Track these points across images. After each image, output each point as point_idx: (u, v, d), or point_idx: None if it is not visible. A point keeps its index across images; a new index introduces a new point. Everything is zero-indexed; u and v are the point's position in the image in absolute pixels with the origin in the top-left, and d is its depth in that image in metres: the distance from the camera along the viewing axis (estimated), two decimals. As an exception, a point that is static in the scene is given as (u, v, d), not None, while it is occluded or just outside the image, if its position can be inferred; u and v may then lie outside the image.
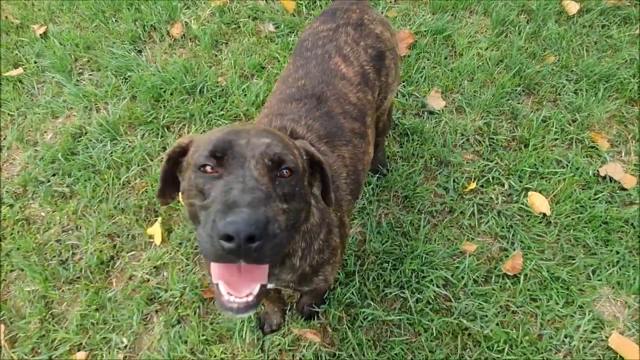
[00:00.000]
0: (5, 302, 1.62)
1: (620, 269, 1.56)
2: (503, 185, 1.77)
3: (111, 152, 1.93)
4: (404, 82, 2.05)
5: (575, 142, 1.86)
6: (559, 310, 1.49)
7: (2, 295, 1.64)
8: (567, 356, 1.43)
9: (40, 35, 2.36)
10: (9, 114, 2.10)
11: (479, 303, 1.50)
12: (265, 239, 0.70)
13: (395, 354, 1.42)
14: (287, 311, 1.54)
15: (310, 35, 1.34)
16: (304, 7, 2.37)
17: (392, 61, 1.35)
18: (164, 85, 2.09)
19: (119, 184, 1.85)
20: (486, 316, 1.48)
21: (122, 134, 1.99)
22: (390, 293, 1.55)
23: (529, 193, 1.72)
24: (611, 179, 1.75)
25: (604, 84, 1.99)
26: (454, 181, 1.77)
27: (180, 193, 0.92)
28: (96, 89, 2.14)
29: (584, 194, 1.70)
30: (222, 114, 2.02)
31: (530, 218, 1.67)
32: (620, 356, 1.40)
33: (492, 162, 1.82)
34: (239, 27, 2.35)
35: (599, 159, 1.82)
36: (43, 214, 1.83)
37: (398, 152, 1.87)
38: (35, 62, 2.26)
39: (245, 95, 2.06)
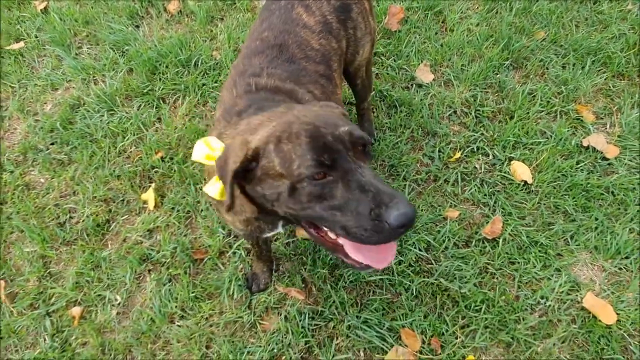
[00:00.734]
0: (6, 261, 1.69)
1: (598, 235, 1.60)
2: (487, 155, 1.81)
3: (108, 122, 1.99)
4: (394, 55, 2.09)
5: (561, 114, 1.89)
6: (536, 273, 1.54)
7: (3, 255, 1.71)
8: (542, 316, 1.48)
9: (41, 10, 2.42)
10: (10, 86, 2.16)
11: (458, 265, 1.55)
12: None
13: (375, 309, 1.48)
14: (274, 271, 1.60)
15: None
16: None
17: (360, 15, 1.38)
18: (160, 59, 2.14)
19: (115, 152, 1.91)
20: (465, 277, 1.53)
21: (118, 105, 2.05)
22: (373, 255, 1.60)
23: (512, 162, 1.76)
24: (594, 149, 1.78)
25: (592, 58, 2.02)
26: (439, 151, 1.82)
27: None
28: (94, 62, 2.20)
29: (566, 163, 1.74)
30: (216, 86, 2.07)
31: (512, 186, 1.72)
32: (593, 315, 1.45)
33: (477, 133, 1.85)
34: (235, 3, 2.39)
35: (584, 130, 1.85)
36: (42, 180, 1.90)
37: (386, 123, 1.91)
38: (36, 37, 2.31)
39: (239, 68, 2.11)
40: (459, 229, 1.63)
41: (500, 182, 1.73)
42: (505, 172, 1.74)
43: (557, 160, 1.75)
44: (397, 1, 2.27)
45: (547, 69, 2.02)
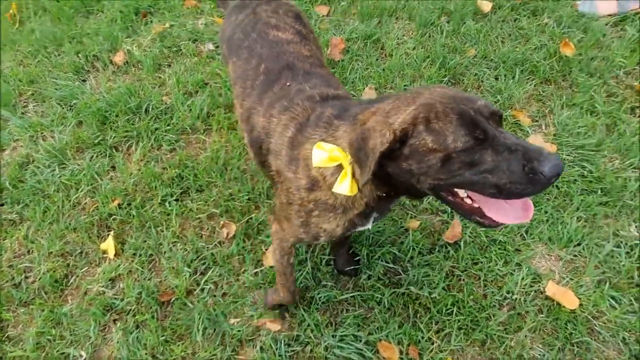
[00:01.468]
0: (-43, 331, 1.59)
1: (550, 226, 1.68)
2: (439, 165, 1.88)
3: (60, 176, 1.95)
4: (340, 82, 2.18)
5: (500, 120, 2.01)
6: (499, 270, 1.59)
7: (-47, 325, 1.60)
8: (511, 310, 1.52)
9: (-18, 73, 2.39)
10: (-48, 151, 2.09)
11: (425, 272, 1.59)
12: None
13: (350, 326, 1.48)
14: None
15: (235, 28, 1.46)
16: (241, 26, 2.49)
17: (306, 20, 1.53)
18: (109, 108, 2.14)
19: (69, 204, 1.87)
20: (433, 282, 1.57)
21: (69, 158, 2.02)
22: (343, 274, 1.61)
23: (463, 169, 1.84)
24: (534, 149, 1.90)
25: (520, 68, 2.18)
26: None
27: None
28: (42, 119, 2.17)
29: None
30: (169, 129, 2.08)
31: (465, 191, 1.79)
32: (557, 302, 1.51)
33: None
34: (180, 49, 2.45)
35: (523, 133, 1.97)
36: (-7, 243, 1.82)
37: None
38: (-22, 100, 2.27)
39: (190, 110, 2.14)
40: (422, 237, 1.68)
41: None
42: (457, 179, 1.82)
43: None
44: (337, 34, 2.40)
45: (482, 81, 2.17)
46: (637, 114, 2.02)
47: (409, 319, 1.51)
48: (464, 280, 1.59)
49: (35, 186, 1.92)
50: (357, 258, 1.61)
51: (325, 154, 1.03)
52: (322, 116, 1.13)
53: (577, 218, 1.70)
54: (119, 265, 1.70)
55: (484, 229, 1.63)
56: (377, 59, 2.30)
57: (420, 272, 1.58)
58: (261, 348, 1.48)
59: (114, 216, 1.81)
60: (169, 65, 2.39)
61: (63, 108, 2.22)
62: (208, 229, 1.77)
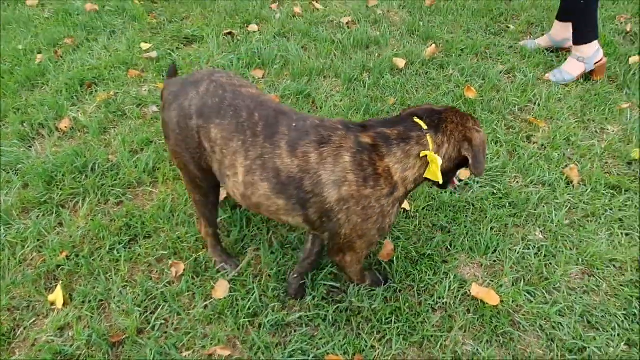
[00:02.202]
0: None
1: (469, 238, 1.90)
2: (370, 196, 2.09)
3: (5, 235, 1.97)
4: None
5: (420, 154, 2.28)
6: (429, 279, 1.76)
7: None
8: (443, 312, 1.68)
9: None
10: None
11: (365, 287, 1.73)
12: None
13: (298, 342, 1.57)
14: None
15: (204, 97, 1.41)
16: (183, 90, 2.71)
17: None
18: (55, 169, 2.22)
19: (15, 261, 1.88)
20: (373, 296, 1.70)
21: (15, 218, 2.05)
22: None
23: (391, 197, 2.05)
24: (451, 176, 2.16)
25: (432, 111, 2.50)
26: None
27: None
28: (-15, 185, 2.21)
29: (433, 188, 2.08)
30: (116, 184, 2.18)
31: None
32: (481, 301, 1.68)
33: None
34: (125, 113, 2.61)
35: (440, 163, 2.24)
36: None
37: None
38: None
39: (136, 166, 2.26)
40: (359, 258, 1.83)
41: (385, 214, 2.00)
42: (386, 206, 2.03)
43: (426, 188, 2.09)
44: (272, 92, 2.66)
45: (402, 123, 2.46)
46: (532, 141, 2.36)
47: (352, 331, 1.63)
48: (400, 292, 1.74)
49: (-21, 247, 1.93)
50: (303, 281, 1.74)
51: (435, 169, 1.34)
52: (388, 139, 1.33)
53: (492, 228, 1.93)
54: (67, 314, 1.71)
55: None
56: (309, 111, 2.56)
57: (360, 288, 1.72)
58: (214, 375, 1.53)
59: (61, 267, 1.85)
60: (114, 128, 2.53)
61: (8, 173, 2.27)
62: (157, 271, 1.84)
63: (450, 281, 1.75)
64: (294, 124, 1.35)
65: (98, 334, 1.63)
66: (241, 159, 1.35)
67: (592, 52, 2.66)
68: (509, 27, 3.27)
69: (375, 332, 1.62)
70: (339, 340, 1.59)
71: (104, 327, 1.66)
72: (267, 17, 3.43)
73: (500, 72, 2.81)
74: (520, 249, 1.86)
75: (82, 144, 2.41)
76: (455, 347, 1.58)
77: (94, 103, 2.68)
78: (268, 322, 1.64)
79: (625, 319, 1.65)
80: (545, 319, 1.65)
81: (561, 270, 1.78)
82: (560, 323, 1.63)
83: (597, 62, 2.69)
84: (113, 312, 1.72)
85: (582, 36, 2.63)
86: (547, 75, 2.78)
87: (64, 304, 1.75)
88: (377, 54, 3.00)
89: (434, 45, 3.01)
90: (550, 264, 1.82)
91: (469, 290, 1.73)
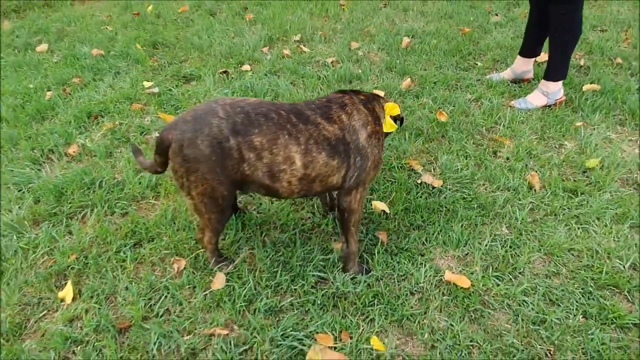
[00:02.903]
0: None
1: (443, 234, 2.11)
2: (354, 202, 2.32)
3: (18, 242, 2.14)
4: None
5: (398, 167, 2.53)
6: (407, 269, 1.95)
7: None
8: (420, 295, 1.86)
9: (-61, 169, 2.61)
10: None
11: (352, 276, 1.91)
12: None
13: (290, 327, 1.72)
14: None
15: (228, 121, 1.59)
16: (182, 119, 2.98)
17: None
18: (65, 185, 2.42)
19: (27, 264, 2.04)
20: (356, 283, 1.88)
21: (27, 229, 2.23)
22: (281, 285, 1.89)
23: (372, 202, 2.28)
24: (426, 184, 2.40)
25: (408, 132, 2.78)
26: (316, 208, 2.28)
27: None
28: (-1, 200, 2.39)
29: (410, 194, 2.32)
30: (121, 197, 2.38)
31: (375, 216, 2.21)
32: (454, 283, 1.87)
33: (342, 189, 2.39)
34: (129, 139, 2.85)
35: (417, 175, 2.49)
36: (-53, 306, 1.91)
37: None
38: None
39: (140, 182, 2.47)
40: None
41: (368, 217, 2.22)
42: (368, 210, 2.25)
43: (403, 195, 2.32)
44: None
45: (382, 143, 2.73)
46: (497, 155, 2.63)
47: (339, 313, 1.79)
48: (382, 280, 1.92)
49: (-7, 252, 2.09)
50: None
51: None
52: (364, 95, 1.85)
53: (462, 226, 2.15)
54: (76, 308, 1.86)
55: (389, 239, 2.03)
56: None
57: (346, 276, 1.91)
58: (213, 353, 1.67)
59: (71, 267, 2.01)
60: (119, 152, 2.76)
61: (20, 190, 2.46)
62: (160, 268, 2.01)
63: (426, 269, 1.94)
64: (312, 106, 1.71)
65: (106, 320, 1.77)
66: (294, 147, 1.62)
67: (557, 89, 3.00)
68: (476, 64, 3.64)
69: (359, 314, 1.79)
70: (327, 320, 1.75)
71: (111, 317, 1.81)
72: (259, 58, 3.78)
73: (469, 100, 3.13)
74: (488, 242, 2.07)
75: (90, 165, 2.63)
76: (432, 323, 1.75)
77: (100, 131, 2.93)
78: (262, 306, 1.81)
79: (582, 296, 1.84)
80: (511, 298, 1.84)
81: (525, 258, 1.99)
82: (525, 301, 1.82)
83: (558, 99, 3.03)
84: (119, 304, 1.87)
85: (553, 74, 2.97)
86: (512, 102, 3.10)
87: (73, 299, 1.90)
88: (358, 87, 3.32)
89: (409, 79, 3.35)
90: (516, 253, 2.03)
91: (443, 277, 1.92)
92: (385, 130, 1.83)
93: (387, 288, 1.87)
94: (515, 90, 3.26)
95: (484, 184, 2.42)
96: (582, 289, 1.87)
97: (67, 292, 1.91)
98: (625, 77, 3.39)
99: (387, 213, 2.23)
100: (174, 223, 2.22)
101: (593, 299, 1.83)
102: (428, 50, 3.84)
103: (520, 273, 1.94)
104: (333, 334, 1.72)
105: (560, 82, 3.00)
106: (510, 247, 2.05)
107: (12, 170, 2.58)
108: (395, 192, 2.34)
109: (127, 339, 1.74)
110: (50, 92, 3.36)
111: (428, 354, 1.66)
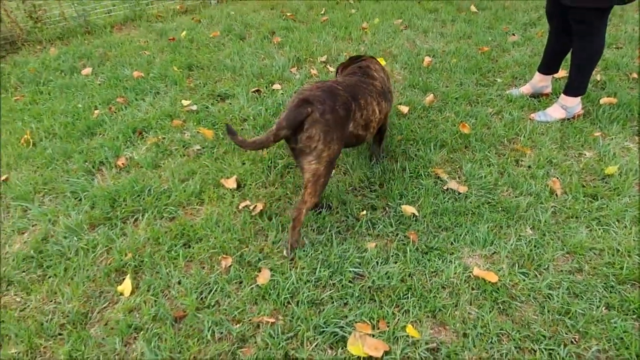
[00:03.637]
0: (-9, 364, 1.81)
1: (470, 235, 2.25)
2: (384, 208, 2.48)
3: (78, 242, 2.35)
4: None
5: (425, 175, 2.69)
6: (438, 266, 2.10)
7: (-12, 358, 1.83)
8: (451, 289, 2.00)
9: (3, 180, 2.86)
10: (-22, 235, 2.45)
11: (386, 271, 2.06)
12: None
13: (331, 316, 1.88)
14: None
15: (346, 94, 2.18)
16: (220, 133, 3.21)
17: None
18: (117, 192, 2.64)
19: (88, 262, 2.24)
20: (391, 277, 2.03)
21: (85, 232, 2.44)
22: (320, 280, 2.05)
23: (402, 206, 2.44)
24: (452, 190, 2.56)
25: (433, 143, 2.95)
26: (350, 211, 2.45)
27: None
28: (58, 207, 2.62)
29: (437, 199, 2.47)
30: (169, 203, 2.58)
31: (406, 219, 2.37)
32: (482, 278, 2.01)
33: (373, 195, 2.56)
34: (172, 152, 3.08)
35: (443, 182, 2.65)
36: (17, 299, 2.12)
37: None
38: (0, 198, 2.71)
39: (185, 190, 2.68)
40: (379, 252, 2.19)
41: (399, 219, 2.38)
42: (399, 213, 2.41)
43: (431, 199, 2.48)
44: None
45: (408, 153, 2.90)
46: (519, 164, 2.78)
47: (376, 305, 1.94)
48: (415, 276, 2.07)
49: (57, 252, 2.30)
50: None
51: None
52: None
53: (488, 227, 2.28)
54: (135, 300, 2.04)
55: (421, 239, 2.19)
56: (328, 146, 3.01)
57: (380, 272, 2.06)
58: (262, 339, 1.83)
59: (128, 264, 2.20)
60: (164, 164, 2.98)
61: (76, 199, 2.69)
62: (208, 266, 2.19)
63: (456, 266, 2.08)
64: (358, 74, 2.49)
65: (163, 309, 1.95)
66: (374, 101, 2.34)
67: (575, 104, 3.15)
68: (496, 80, 3.81)
69: (394, 305, 1.94)
70: (365, 311, 1.90)
71: (167, 307, 1.99)
72: (288, 77, 4.02)
73: (490, 114, 3.29)
74: (513, 242, 2.20)
75: (138, 175, 2.85)
76: (463, 314, 1.88)
77: (145, 145, 3.16)
78: (304, 298, 1.96)
79: (605, 290, 1.95)
80: (537, 292, 1.96)
81: (549, 256, 2.12)
82: (550, 294, 1.94)
83: (576, 112, 3.17)
84: (173, 296, 2.05)
85: (573, 90, 3.12)
86: (532, 115, 3.25)
87: (131, 293, 2.09)
88: (384, 103, 3.52)
89: (432, 95, 3.54)
90: (540, 252, 2.15)
91: (472, 273, 2.05)
92: None
93: (420, 282, 2.02)
94: (534, 104, 3.41)
95: (507, 190, 2.56)
96: (604, 283, 1.98)
97: (126, 286, 2.10)
98: (641, 91, 3.52)
99: (416, 216, 2.39)
100: (219, 226, 2.41)
101: (615, 293, 1.94)
102: (449, 69, 4.03)
103: (544, 269, 2.07)
104: (371, 323, 1.86)
105: (579, 97, 3.14)
106: (535, 246, 2.18)
107: (68, 180, 2.82)
108: (423, 197, 2.50)
109: (183, 326, 1.91)
110: (97, 110, 3.63)
111: (461, 341, 1.79)
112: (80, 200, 2.68)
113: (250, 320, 1.91)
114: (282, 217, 2.44)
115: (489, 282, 1.99)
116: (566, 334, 1.79)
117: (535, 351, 1.74)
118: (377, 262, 2.13)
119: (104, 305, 2.05)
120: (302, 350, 1.78)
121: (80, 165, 2.95)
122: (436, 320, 1.88)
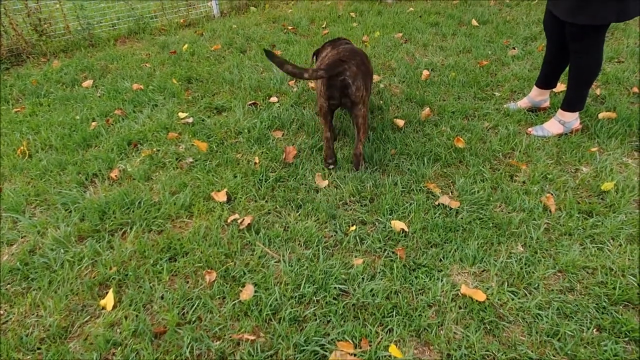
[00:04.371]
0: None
1: (459, 252, 2.20)
2: (373, 223, 2.44)
3: (64, 255, 2.34)
4: (292, 177, 2.81)
5: (417, 190, 2.66)
6: (425, 283, 2.05)
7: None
8: (437, 308, 1.95)
9: (-4, 191, 2.87)
10: (-33, 247, 2.45)
11: (371, 288, 2.02)
12: None
13: (312, 334, 1.84)
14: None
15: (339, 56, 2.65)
16: (214, 146, 3.20)
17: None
18: (107, 205, 2.64)
19: (73, 275, 2.23)
20: (376, 294, 1.99)
21: (73, 244, 2.43)
22: (305, 297, 2.02)
23: (392, 222, 2.40)
24: (444, 205, 2.52)
25: (427, 157, 2.92)
26: (339, 226, 2.42)
27: None
28: (48, 218, 2.62)
29: (428, 214, 2.43)
30: (157, 216, 2.57)
31: (395, 235, 2.33)
32: (470, 297, 1.95)
33: (363, 209, 2.52)
34: (165, 164, 3.07)
35: (434, 197, 2.61)
36: (0, 312, 2.10)
37: (299, 215, 2.51)
38: (-8, 209, 2.71)
39: (175, 203, 2.67)
40: (364, 268, 2.14)
41: (387, 235, 2.34)
42: (388, 228, 2.37)
43: (421, 215, 2.44)
44: (290, 144, 3.12)
45: (401, 168, 2.87)
46: (513, 179, 2.73)
47: (359, 323, 1.89)
48: (400, 293, 2.02)
49: (43, 264, 2.29)
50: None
51: None
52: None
53: (478, 244, 2.24)
54: (116, 314, 2.02)
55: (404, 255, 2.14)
56: (321, 161, 2.99)
57: (367, 288, 2.02)
58: (241, 357, 1.79)
59: (112, 277, 2.18)
60: (156, 176, 2.97)
61: (66, 210, 2.69)
62: (193, 280, 2.16)
63: (443, 284, 2.03)
64: (356, 49, 2.88)
65: (144, 325, 1.92)
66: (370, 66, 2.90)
67: (573, 119, 3.11)
68: (494, 94, 3.78)
69: (378, 324, 1.89)
70: (348, 329, 1.86)
71: (148, 322, 1.96)
72: (286, 91, 4.02)
73: (486, 128, 3.26)
74: (504, 259, 2.15)
75: (130, 187, 2.85)
76: (448, 334, 1.83)
77: (139, 157, 3.16)
78: (287, 315, 1.93)
79: (596, 310, 1.89)
80: (526, 311, 1.90)
81: (540, 274, 2.06)
82: (539, 314, 1.88)
83: (574, 127, 3.13)
84: (155, 311, 2.02)
85: (571, 105, 3.08)
86: (529, 129, 3.21)
87: (114, 307, 2.06)
88: (379, 117, 3.50)
89: (428, 109, 3.51)
90: (531, 270, 2.10)
91: (460, 291, 2.00)
92: None
93: (405, 300, 1.97)
94: (532, 118, 3.37)
95: (500, 206, 2.51)
96: (596, 304, 1.92)
97: (109, 300, 2.08)
98: (642, 105, 3.46)
99: (405, 232, 2.34)
100: (206, 240, 2.38)
101: (607, 314, 1.88)
102: (447, 82, 4.00)
103: (534, 288, 2.01)
104: (353, 342, 1.82)
105: (577, 112, 3.09)
106: (526, 264, 2.13)
107: (60, 192, 2.82)
108: (414, 212, 2.46)
109: (162, 343, 1.88)
110: (94, 122, 3.65)
111: (444, 362, 1.74)
112: (71, 212, 2.67)
113: (230, 337, 1.88)
114: (270, 230, 2.41)
115: (477, 301, 1.94)
116: (554, 356, 1.73)
117: (521, 374, 1.69)
118: (362, 279, 2.09)
119: (85, 320, 2.02)
120: (282, 369, 1.74)
121: (73, 177, 2.96)
122: (420, 340, 1.83)
